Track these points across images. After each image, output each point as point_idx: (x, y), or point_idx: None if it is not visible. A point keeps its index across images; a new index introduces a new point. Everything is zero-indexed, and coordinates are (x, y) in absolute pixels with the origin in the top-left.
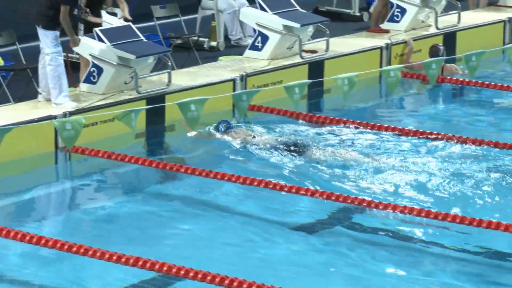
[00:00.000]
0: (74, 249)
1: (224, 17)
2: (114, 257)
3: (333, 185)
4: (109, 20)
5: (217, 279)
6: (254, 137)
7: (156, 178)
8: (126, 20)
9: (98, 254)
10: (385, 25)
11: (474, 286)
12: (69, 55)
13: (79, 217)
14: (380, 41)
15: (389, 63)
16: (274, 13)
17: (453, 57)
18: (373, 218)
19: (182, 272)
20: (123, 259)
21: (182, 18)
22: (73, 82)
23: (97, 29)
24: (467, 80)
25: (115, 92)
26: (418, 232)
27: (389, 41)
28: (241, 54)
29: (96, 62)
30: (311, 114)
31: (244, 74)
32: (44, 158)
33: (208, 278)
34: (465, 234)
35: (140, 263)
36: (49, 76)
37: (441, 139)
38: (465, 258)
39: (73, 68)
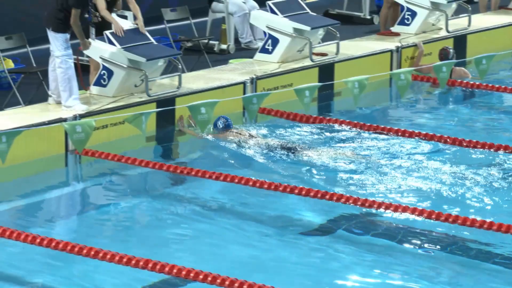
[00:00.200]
0: (84, 251)
1: (235, 20)
2: (124, 259)
3: (339, 186)
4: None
5: (227, 282)
6: (261, 138)
7: (166, 181)
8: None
9: (108, 256)
10: (395, 28)
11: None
12: (79, 58)
13: (89, 219)
14: (391, 44)
15: (399, 66)
16: (285, 16)
17: (463, 60)
18: (378, 220)
19: (191, 274)
20: (133, 261)
21: (193, 21)
22: (84, 85)
23: (107, 32)
24: (477, 83)
25: (125, 95)
26: (427, 236)
27: (399, 44)
28: (251, 57)
29: (106, 65)
30: (321, 117)
31: (254, 77)
32: (54, 160)
33: (218, 280)
34: (471, 235)
35: (150, 265)
36: (59, 78)
37: (451, 142)
38: (468, 260)
39: (83, 71)
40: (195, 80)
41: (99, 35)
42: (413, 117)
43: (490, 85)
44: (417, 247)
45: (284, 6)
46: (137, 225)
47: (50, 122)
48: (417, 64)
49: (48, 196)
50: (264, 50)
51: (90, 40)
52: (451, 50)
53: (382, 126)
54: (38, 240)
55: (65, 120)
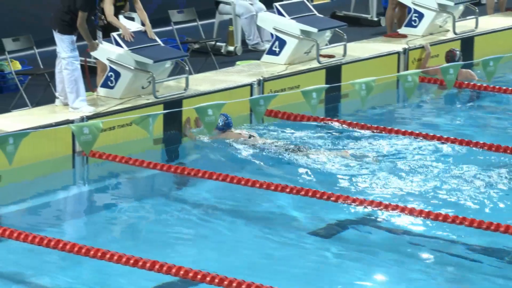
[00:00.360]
0: (92, 252)
1: (242, 21)
2: (131, 261)
3: (343, 188)
4: (126, 25)
5: (234, 284)
6: (264, 139)
7: (173, 183)
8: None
9: (115, 257)
10: (402, 30)
11: None
12: (87, 59)
13: (97, 221)
14: (398, 46)
15: (406, 68)
16: (292, 18)
17: (470, 62)
18: (384, 221)
19: (199, 276)
20: (140, 263)
21: (200, 22)
22: (91, 86)
23: (114, 34)
24: (484, 85)
25: (132, 96)
26: (435, 236)
27: (406, 46)
28: (258, 58)
29: (113, 66)
30: (328, 118)
31: (261, 78)
32: (61, 162)
33: (225, 282)
34: (479, 237)
35: (157, 267)
36: (66, 80)
37: (458, 144)
38: (475, 263)
39: (90, 72)
40: (202, 82)
41: (106, 37)
42: (420, 119)
43: (497, 87)
44: (433, 250)
45: (291, 8)
46: (144, 226)
47: (57, 124)
48: (424, 66)
49: (55, 197)
50: (271, 52)
51: (97, 41)
52: (457, 52)
53: (389, 127)
54: (45, 241)
55: (72, 121)
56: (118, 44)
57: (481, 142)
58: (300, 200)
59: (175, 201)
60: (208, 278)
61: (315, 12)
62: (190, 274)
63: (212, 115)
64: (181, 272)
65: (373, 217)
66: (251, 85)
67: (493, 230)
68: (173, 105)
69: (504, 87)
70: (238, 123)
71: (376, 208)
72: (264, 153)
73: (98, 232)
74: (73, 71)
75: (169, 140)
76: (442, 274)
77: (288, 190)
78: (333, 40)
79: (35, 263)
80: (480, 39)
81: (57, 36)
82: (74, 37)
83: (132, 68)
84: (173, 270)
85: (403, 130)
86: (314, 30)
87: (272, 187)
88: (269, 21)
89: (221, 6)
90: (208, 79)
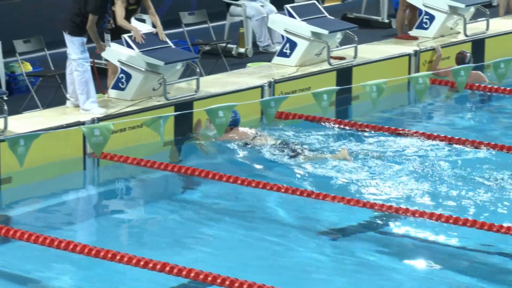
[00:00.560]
0: (102, 254)
1: (253, 23)
2: (142, 263)
3: (355, 191)
4: (137, 27)
5: (245, 286)
6: (274, 140)
7: (184, 184)
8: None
9: (125, 259)
10: (413, 32)
11: None
12: (97, 61)
13: (107, 222)
14: (409, 48)
15: (417, 70)
16: (303, 20)
17: (481, 64)
18: (394, 224)
19: (209, 278)
20: (151, 265)
21: (211, 24)
22: (101, 88)
23: (125, 36)
24: (495, 87)
25: (143, 98)
26: (448, 240)
27: (417, 48)
28: (269, 60)
29: (124, 68)
30: (339, 120)
31: (272, 80)
32: (72, 164)
33: (236, 284)
34: (490, 240)
35: (168, 268)
36: (76, 82)
37: (470, 145)
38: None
39: (101, 74)
40: (213, 83)
41: (115, 39)
42: (431, 121)
43: (508, 88)
44: (444, 252)
45: (302, 9)
46: (155, 228)
47: (68, 126)
48: (435, 68)
49: (66, 199)
50: (282, 54)
51: (105, 43)
52: (468, 54)
53: (401, 129)
54: (56, 243)
55: (83, 123)
56: (129, 46)
57: (493, 143)
58: (309, 202)
59: (187, 202)
60: (218, 280)
61: (326, 14)
62: (201, 276)
63: (223, 117)
64: (192, 274)
65: (389, 221)
66: (262, 87)
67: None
68: (184, 107)
69: None
70: (249, 125)
71: (387, 211)
72: (271, 155)
73: (108, 233)
74: (84, 73)
75: (179, 141)
76: (449, 277)
77: (298, 193)
78: (344, 42)
79: (45, 264)
80: (491, 41)
81: (67, 37)
82: (84, 39)
83: (143, 70)
84: (184, 272)
85: (414, 131)
86: (325, 32)
87: (283, 190)
88: (280, 23)
89: (232, 8)
90: (219, 81)
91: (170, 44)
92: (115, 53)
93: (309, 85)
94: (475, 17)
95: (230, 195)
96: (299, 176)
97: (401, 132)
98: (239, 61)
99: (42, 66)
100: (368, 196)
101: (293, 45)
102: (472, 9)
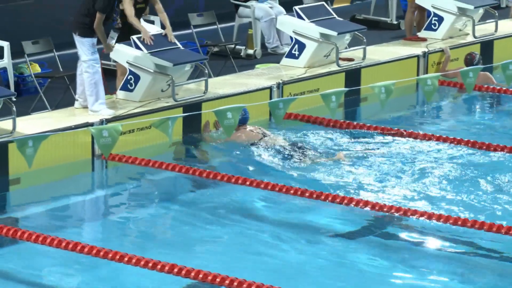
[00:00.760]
0: (110, 255)
1: (261, 25)
2: (150, 264)
3: (362, 192)
4: (146, 28)
5: (245, 285)
6: (282, 140)
7: (193, 186)
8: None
9: (133, 260)
10: (422, 34)
11: None
12: (105, 62)
13: (115, 224)
14: (417, 49)
15: (426, 72)
16: (311, 21)
17: (490, 65)
18: (402, 225)
19: (217, 279)
20: (159, 266)
21: (219, 26)
22: (108, 89)
23: (134, 37)
24: (504, 88)
25: (152, 99)
26: (454, 242)
27: (426, 50)
28: (278, 62)
29: (133, 69)
30: (348, 122)
31: (280, 82)
32: (81, 165)
33: (244, 285)
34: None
35: (176, 270)
36: (86, 83)
37: (478, 147)
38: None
39: (109, 75)
40: (221, 85)
41: (123, 40)
42: (440, 122)
43: None
44: (452, 254)
45: (311, 11)
46: (163, 230)
47: (77, 127)
48: (444, 70)
49: (74, 200)
50: (290, 55)
51: (112, 43)
52: (476, 56)
53: (410, 130)
54: (63, 244)
55: (91, 124)
56: (137, 47)
57: (502, 145)
58: (316, 203)
59: (195, 203)
60: (227, 281)
61: (335, 15)
62: (209, 278)
63: (231, 118)
64: (200, 276)
65: (397, 223)
66: (270, 88)
67: None
68: (193, 108)
69: None
70: (258, 126)
71: (395, 213)
72: (278, 155)
73: (116, 234)
74: (94, 74)
75: (188, 142)
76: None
77: (313, 195)
78: (353, 43)
79: (53, 265)
80: (499, 43)
81: (77, 39)
82: (94, 40)
83: (152, 71)
84: (192, 274)
85: (423, 133)
86: (334, 33)
87: (292, 191)
88: (289, 24)
89: (241, 9)
90: (228, 82)
91: (179, 45)
92: (123, 54)
93: (318, 87)
94: (484, 18)
95: (238, 196)
96: (304, 177)
97: (410, 133)
98: (248, 63)
99: (50, 67)
100: (368, 197)
101: (301, 47)
102: (481, 11)
